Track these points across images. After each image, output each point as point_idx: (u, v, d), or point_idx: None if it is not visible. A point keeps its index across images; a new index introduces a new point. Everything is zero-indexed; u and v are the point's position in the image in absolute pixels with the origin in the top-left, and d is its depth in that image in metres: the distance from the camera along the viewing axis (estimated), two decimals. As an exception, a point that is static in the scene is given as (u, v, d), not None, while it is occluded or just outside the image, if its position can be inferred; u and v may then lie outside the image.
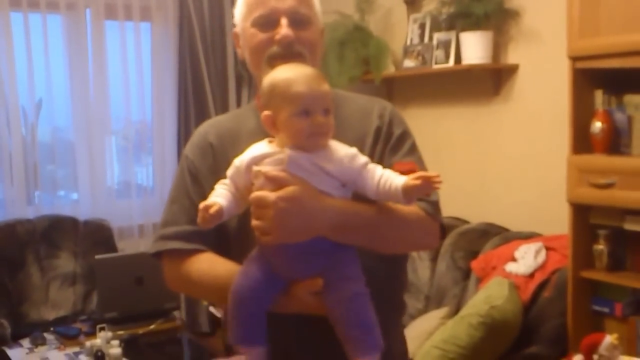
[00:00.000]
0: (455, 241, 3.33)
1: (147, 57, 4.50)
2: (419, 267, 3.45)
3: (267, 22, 1.36)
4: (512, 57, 3.38)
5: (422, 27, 3.70)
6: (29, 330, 3.59)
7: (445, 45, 3.52)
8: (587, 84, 2.68)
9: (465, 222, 3.51)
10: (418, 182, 1.16)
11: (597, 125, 2.62)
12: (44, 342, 3.33)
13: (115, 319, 3.20)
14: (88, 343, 2.90)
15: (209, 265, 1.34)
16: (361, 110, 1.41)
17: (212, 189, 1.31)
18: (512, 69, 3.37)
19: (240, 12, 1.43)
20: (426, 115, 3.84)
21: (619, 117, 2.62)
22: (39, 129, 4.28)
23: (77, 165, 4.37)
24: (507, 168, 3.44)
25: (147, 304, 3.38)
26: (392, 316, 1.43)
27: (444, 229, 1.39)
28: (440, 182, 1.16)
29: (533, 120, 3.31)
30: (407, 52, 3.73)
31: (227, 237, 1.35)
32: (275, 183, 1.17)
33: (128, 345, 2.91)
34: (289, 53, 1.33)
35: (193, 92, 4.53)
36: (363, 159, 1.23)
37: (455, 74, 3.57)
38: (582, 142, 2.66)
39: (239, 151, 1.31)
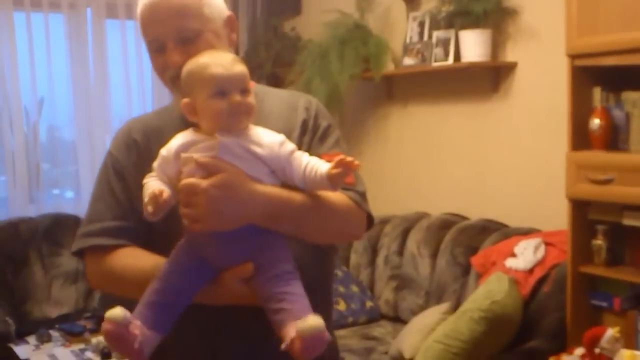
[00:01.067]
0: (455, 237, 3.36)
1: (147, 55, 4.50)
2: (419, 264, 3.48)
3: (158, 47, 1.35)
4: (510, 55, 3.41)
5: (421, 25, 3.72)
6: (32, 327, 3.61)
7: (445, 43, 3.54)
8: (586, 81, 2.71)
9: (465, 218, 3.54)
10: (340, 167, 1.18)
11: (596, 122, 2.64)
12: (49, 339, 3.35)
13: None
14: (94, 340, 2.92)
15: (134, 259, 1.32)
16: (286, 104, 1.41)
17: (137, 185, 1.29)
18: (511, 67, 3.40)
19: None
20: (426, 113, 3.87)
21: (617, 114, 2.64)
22: (41, 128, 4.30)
23: (79, 163, 4.38)
24: (505, 164, 3.47)
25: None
26: (321, 308, 1.42)
27: (372, 219, 1.38)
28: (358, 164, 1.18)
29: (531, 117, 3.34)
30: (406, 50, 3.76)
31: (151, 230, 1.33)
32: (206, 169, 1.17)
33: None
34: None
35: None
36: (290, 145, 1.24)
37: (454, 72, 3.59)
38: (580, 138, 2.69)
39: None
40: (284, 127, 1.34)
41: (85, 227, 1.38)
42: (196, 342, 1.32)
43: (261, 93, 1.41)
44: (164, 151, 1.24)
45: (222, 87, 1.20)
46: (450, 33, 3.52)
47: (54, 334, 3.45)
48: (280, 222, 1.22)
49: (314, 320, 1.11)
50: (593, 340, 1.91)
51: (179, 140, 1.24)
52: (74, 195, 4.48)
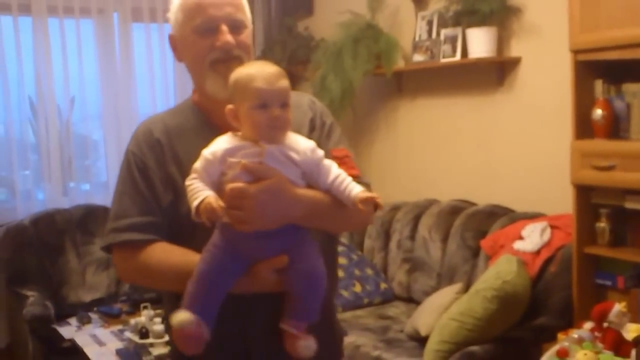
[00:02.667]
0: (465, 222, 3.38)
1: (170, 55, 4.51)
2: (431, 247, 3.50)
3: (207, 30, 1.35)
4: (514, 50, 3.42)
5: (429, 23, 3.73)
6: (69, 311, 3.66)
7: (452, 41, 3.56)
8: (588, 74, 2.72)
9: (473, 204, 3.56)
10: (370, 200, 1.26)
11: (598, 112, 2.65)
12: (89, 320, 3.40)
13: (153, 298, 3.26)
14: (133, 321, 2.96)
15: (164, 254, 1.32)
16: (294, 105, 1.37)
17: (160, 181, 1.34)
18: (515, 62, 3.41)
19: (177, 18, 1.41)
20: (434, 106, 3.88)
21: (618, 104, 2.65)
22: (73, 125, 4.34)
23: (108, 157, 4.42)
24: (511, 153, 3.48)
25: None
26: (329, 295, 1.45)
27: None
28: (381, 205, 1.28)
29: (535, 109, 3.35)
30: (416, 47, 3.77)
31: (178, 224, 1.33)
32: (254, 174, 1.20)
33: (167, 322, 2.96)
34: (229, 57, 1.35)
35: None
36: (320, 152, 1.29)
37: (461, 67, 3.61)
38: (583, 128, 2.70)
39: (186, 146, 1.34)
40: (294, 124, 1.34)
41: (113, 223, 1.37)
42: (226, 327, 1.31)
43: None
44: (209, 155, 1.24)
45: (264, 100, 1.22)
46: (458, 31, 3.53)
47: (93, 316, 3.49)
48: (313, 220, 1.28)
49: (307, 347, 1.26)
50: (601, 314, 1.92)
51: (223, 144, 1.25)
52: (103, 187, 4.52)
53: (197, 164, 1.25)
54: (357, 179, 1.34)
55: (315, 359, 1.35)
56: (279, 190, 1.21)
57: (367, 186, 1.38)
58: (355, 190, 1.27)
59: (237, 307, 1.29)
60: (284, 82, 1.25)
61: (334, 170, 1.28)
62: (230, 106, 1.25)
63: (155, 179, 1.36)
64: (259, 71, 1.25)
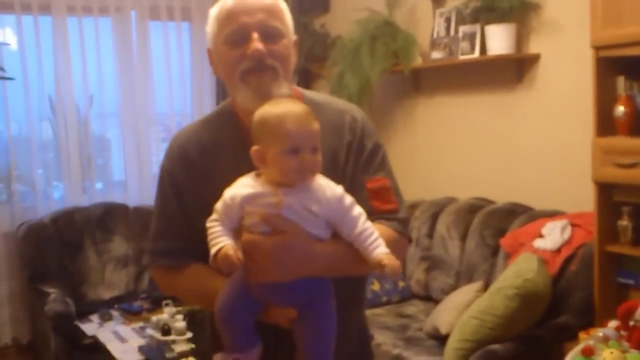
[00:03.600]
0: (484, 220, 3.35)
1: (187, 54, 4.56)
2: (450, 246, 3.48)
3: (238, 39, 1.29)
4: (534, 47, 3.38)
5: (447, 20, 3.71)
6: (88, 308, 3.68)
7: (471, 38, 3.53)
8: (610, 71, 2.69)
9: (492, 202, 3.53)
10: (389, 266, 1.17)
11: (620, 109, 2.63)
12: (110, 317, 3.42)
13: (174, 296, 3.26)
14: (154, 318, 2.97)
15: (194, 279, 1.33)
16: (333, 125, 1.35)
17: (194, 203, 1.31)
18: (534, 58, 3.37)
19: (211, 29, 1.35)
20: (452, 103, 3.86)
21: (641, 101, 2.63)
22: (92, 124, 4.36)
23: (126, 155, 4.44)
24: (530, 151, 3.45)
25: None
26: (359, 302, 1.45)
27: (410, 240, 1.39)
28: (398, 274, 1.19)
29: (555, 106, 3.32)
30: (434, 44, 3.75)
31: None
32: (270, 226, 1.16)
33: (189, 319, 2.99)
34: (261, 67, 1.27)
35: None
36: (348, 200, 1.21)
37: (480, 64, 3.58)
38: (605, 125, 2.67)
39: (221, 164, 1.30)
40: (331, 150, 1.31)
41: (153, 244, 1.40)
42: None
43: (311, 106, 1.29)
44: (228, 199, 1.21)
45: (296, 145, 1.16)
46: (476, 27, 3.50)
47: (114, 313, 3.51)
48: (334, 274, 1.23)
49: None
50: (627, 313, 1.91)
51: (242, 189, 1.21)
52: (121, 185, 4.54)
53: (219, 205, 1.22)
54: (392, 213, 1.30)
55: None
56: (295, 245, 1.16)
57: (402, 222, 1.33)
58: (378, 250, 1.19)
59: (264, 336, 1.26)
60: (315, 124, 1.19)
61: (360, 225, 1.20)
62: (255, 148, 1.19)
63: (189, 202, 1.35)
64: (288, 112, 1.18)
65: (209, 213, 1.26)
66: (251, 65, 1.27)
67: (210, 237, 1.20)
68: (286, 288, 1.18)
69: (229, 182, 1.23)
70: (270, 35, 1.29)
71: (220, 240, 1.18)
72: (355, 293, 1.43)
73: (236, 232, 1.20)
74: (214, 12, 1.35)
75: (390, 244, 1.24)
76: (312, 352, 1.20)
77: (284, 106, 1.20)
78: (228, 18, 1.31)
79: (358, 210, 1.21)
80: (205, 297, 1.28)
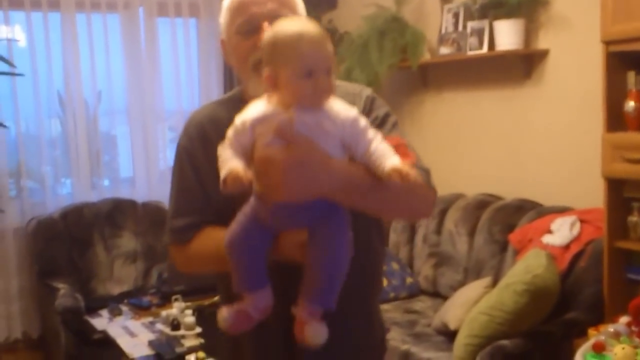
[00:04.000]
0: (492, 216, 3.34)
1: (195, 50, 4.56)
2: (457, 242, 3.47)
3: (250, 29, 1.30)
4: (542, 42, 3.37)
5: (455, 16, 3.70)
6: (97, 303, 3.69)
7: (479, 33, 3.52)
8: (620, 65, 2.67)
9: (500, 198, 3.52)
10: (402, 175, 1.12)
11: (631, 104, 2.61)
12: (120, 312, 3.43)
13: (183, 291, 3.28)
14: (164, 312, 2.98)
15: (209, 239, 1.33)
16: (348, 95, 1.35)
17: (211, 177, 1.27)
18: (543, 54, 3.36)
19: (224, 20, 1.37)
20: (460, 99, 3.85)
21: (651, 96, 2.61)
22: (100, 120, 4.36)
23: (134, 151, 4.44)
24: (539, 147, 3.44)
25: (211, 277, 3.43)
26: (372, 292, 1.44)
27: (436, 191, 1.35)
28: (411, 179, 1.13)
29: (563, 101, 3.30)
30: (442, 40, 3.74)
31: (230, 219, 1.27)
32: (284, 140, 1.11)
33: (198, 314, 2.99)
34: None
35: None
36: (363, 122, 1.17)
37: (488, 60, 3.56)
38: (615, 120, 2.66)
39: None
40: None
41: (173, 221, 1.40)
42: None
43: None
44: (239, 124, 1.18)
45: (311, 67, 1.11)
46: (484, 23, 3.49)
47: (123, 308, 3.53)
48: (351, 198, 1.17)
49: (316, 335, 1.15)
50: (639, 309, 1.90)
51: (253, 112, 1.18)
52: (129, 181, 4.54)
53: (230, 131, 1.19)
54: (417, 166, 1.27)
55: (357, 352, 1.34)
56: (308, 158, 1.11)
57: (426, 173, 1.31)
58: (391, 161, 1.13)
59: (276, 285, 1.23)
60: (330, 46, 1.15)
61: (375, 144, 1.15)
62: (267, 71, 1.15)
63: (207, 178, 1.34)
64: (302, 32, 1.13)
65: None
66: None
67: (220, 162, 1.18)
68: (299, 208, 1.14)
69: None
70: None
71: (230, 162, 1.15)
72: (372, 281, 1.42)
73: (247, 157, 1.16)
74: (226, 3, 1.37)
75: (417, 191, 1.24)
76: (322, 273, 1.14)
77: (297, 26, 1.15)
78: (239, 9, 1.32)
79: (373, 132, 1.18)
80: (222, 254, 1.24)
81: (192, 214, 1.36)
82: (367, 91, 1.41)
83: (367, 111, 1.36)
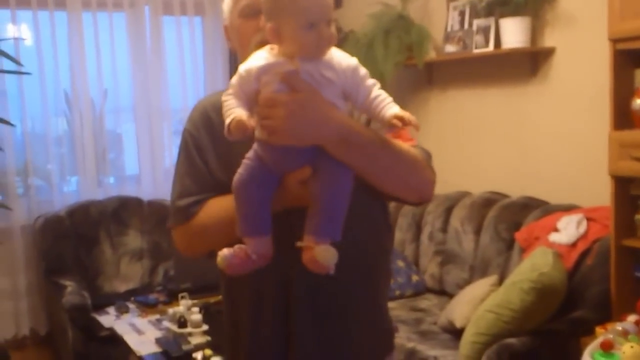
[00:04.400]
0: (498, 214, 3.34)
1: (200, 48, 4.56)
2: (463, 240, 3.47)
3: (253, 12, 1.34)
4: (548, 40, 3.36)
5: (461, 14, 3.69)
6: (104, 301, 3.70)
7: (485, 31, 3.51)
8: (627, 64, 2.67)
9: (506, 196, 3.51)
10: (404, 120, 1.17)
11: (638, 102, 2.60)
12: (127, 310, 3.44)
13: (189, 289, 3.28)
14: (171, 310, 2.98)
15: (211, 208, 1.34)
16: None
17: (214, 158, 1.33)
18: (549, 52, 3.35)
19: (227, 5, 1.42)
20: (466, 97, 3.84)
21: (659, 94, 2.60)
22: (106, 118, 4.37)
23: (140, 149, 4.45)
24: (544, 144, 3.43)
25: (217, 275, 3.43)
26: (382, 283, 1.44)
27: (434, 173, 1.36)
28: (418, 127, 1.19)
29: (569, 99, 3.29)
30: (448, 37, 3.73)
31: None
32: (290, 84, 1.16)
33: (205, 312, 2.99)
34: None
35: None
36: (363, 71, 1.21)
37: (494, 58, 3.56)
38: (622, 118, 2.65)
39: None
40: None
41: (178, 202, 1.39)
42: (268, 274, 1.29)
43: None
44: (243, 71, 1.20)
45: (313, 19, 1.16)
46: (490, 21, 3.48)
47: (130, 305, 3.53)
48: (349, 151, 1.20)
49: (327, 253, 1.15)
50: (647, 308, 1.89)
51: (258, 61, 1.20)
52: (135, 178, 4.55)
53: (234, 79, 1.22)
54: (417, 147, 1.32)
55: (364, 350, 1.34)
56: (312, 103, 1.16)
57: (427, 154, 1.34)
58: (393, 109, 1.19)
59: (277, 229, 1.24)
60: None
61: (374, 91, 1.20)
62: (270, 25, 1.18)
63: (209, 156, 1.37)
64: None
65: (227, 168, 1.29)
66: (264, 37, 1.28)
67: (224, 110, 1.20)
68: (299, 151, 1.18)
69: (247, 142, 1.24)
70: None
71: (233, 111, 1.18)
72: (378, 276, 1.42)
73: (251, 105, 1.19)
74: None
75: (415, 164, 1.28)
76: (326, 203, 1.18)
77: None
78: None
79: (372, 80, 1.22)
80: (226, 219, 1.25)
81: (198, 193, 1.37)
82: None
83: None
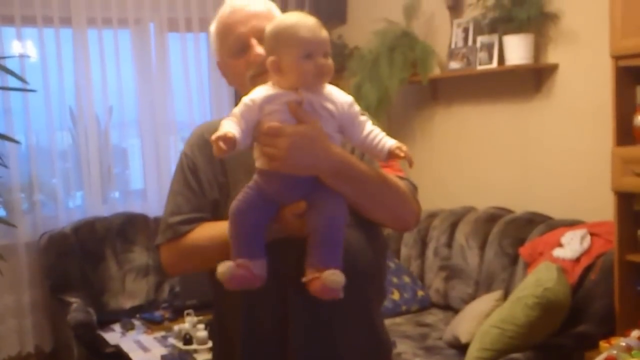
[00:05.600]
0: (503, 229, 3.39)
1: (206, 64, 4.64)
2: (468, 255, 3.52)
3: (240, 49, 1.41)
4: (552, 57, 3.43)
5: (465, 31, 3.77)
6: (110, 317, 3.75)
7: (489, 48, 3.58)
8: (629, 80, 2.73)
9: (510, 211, 3.57)
10: (404, 151, 1.27)
11: (640, 119, 2.67)
12: (132, 327, 3.48)
13: (195, 305, 3.33)
14: (176, 327, 3.02)
15: (204, 230, 1.38)
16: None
17: (208, 179, 1.40)
18: (553, 68, 3.42)
19: (214, 45, 1.48)
20: (471, 113, 3.91)
21: (660, 111, 2.66)
22: (111, 134, 4.44)
23: (145, 165, 4.52)
24: (548, 160, 3.49)
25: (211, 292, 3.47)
26: (375, 300, 1.48)
27: (419, 218, 1.44)
28: (412, 162, 1.28)
29: (573, 116, 3.36)
30: (452, 54, 3.81)
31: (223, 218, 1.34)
32: (296, 117, 1.23)
33: (211, 329, 3.03)
34: (266, 69, 1.32)
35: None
36: (357, 107, 1.30)
37: (498, 74, 3.63)
38: (625, 134, 2.71)
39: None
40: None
41: (169, 219, 1.43)
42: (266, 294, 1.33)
43: None
44: (249, 101, 1.26)
45: (310, 50, 1.24)
46: (494, 38, 3.55)
47: (136, 322, 3.58)
48: (345, 183, 1.28)
49: (335, 277, 1.21)
50: (649, 323, 1.94)
51: (262, 92, 1.27)
52: (141, 194, 4.61)
53: (236, 109, 1.27)
54: (404, 179, 1.40)
55: None
56: (314, 136, 1.23)
57: (414, 188, 1.42)
58: (389, 143, 1.28)
59: (270, 255, 1.28)
60: (325, 32, 1.28)
61: (368, 127, 1.30)
62: (271, 58, 1.26)
63: (203, 177, 1.43)
64: (300, 21, 1.27)
65: (220, 191, 1.38)
66: (257, 69, 1.37)
67: (219, 129, 1.23)
68: (297, 183, 1.25)
69: (240, 166, 1.33)
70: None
71: (224, 128, 1.23)
72: (371, 290, 1.45)
73: (251, 133, 1.25)
74: (212, 28, 1.48)
75: (403, 196, 1.36)
76: (325, 235, 1.24)
77: (295, 17, 1.29)
78: (226, 32, 1.43)
79: (365, 117, 1.31)
80: (216, 243, 1.31)
81: (190, 212, 1.42)
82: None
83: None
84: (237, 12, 1.44)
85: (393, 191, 1.35)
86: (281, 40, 1.26)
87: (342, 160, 1.27)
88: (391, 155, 1.27)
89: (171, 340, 2.99)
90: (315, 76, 1.25)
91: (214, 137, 1.20)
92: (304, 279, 1.24)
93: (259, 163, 1.26)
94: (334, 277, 1.22)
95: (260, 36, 1.35)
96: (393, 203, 1.36)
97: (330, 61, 1.27)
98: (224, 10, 1.46)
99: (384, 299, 1.57)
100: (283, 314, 1.35)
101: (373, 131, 1.29)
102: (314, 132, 1.24)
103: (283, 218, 1.27)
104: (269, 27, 1.29)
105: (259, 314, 1.37)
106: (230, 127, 1.24)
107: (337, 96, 1.29)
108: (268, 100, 1.26)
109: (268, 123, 1.23)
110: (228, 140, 1.20)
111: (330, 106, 1.27)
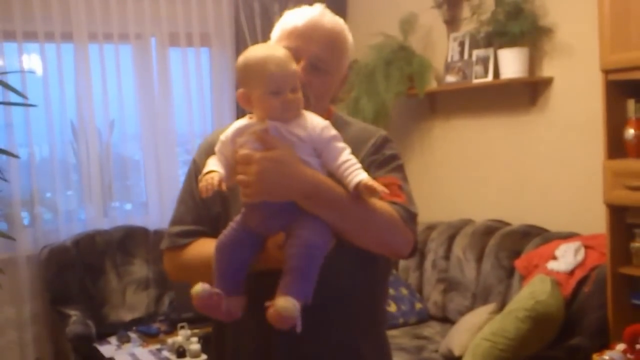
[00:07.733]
0: (499, 242, 3.43)
1: (207, 78, 4.71)
2: (465, 267, 3.56)
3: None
4: (546, 70, 3.48)
5: (461, 45, 3.83)
6: (110, 330, 3.79)
7: (484, 61, 3.64)
8: (619, 94, 2.78)
9: (507, 224, 3.61)
10: (371, 189, 1.23)
11: (631, 132, 2.71)
12: (128, 340, 3.52)
13: (191, 318, 3.37)
14: (170, 340, 3.07)
15: (200, 247, 1.43)
16: (357, 138, 1.43)
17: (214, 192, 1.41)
18: (547, 82, 3.47)
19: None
20: (467, 126, 3.96)
21: (651, 124, 2.70)
22: (112, 148, 4.51)
23: (147, 178, 4.58)
24: (544, 173, 3.54)
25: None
26: (370, 327, 1.48)
27: (416, 246, 1.38)
28: (383, 192, 1.23)
29: (567, 128, 3.41)
30: (448, 68, 3.87)
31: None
32: (263, 143, 1.25)
33: (204, 342, 3.08)
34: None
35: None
36: (333, 131, 1.29)
37: (493, 88, 3.69)
38: (616, 148, 2.76)
39: None
40: (358, 141, 1.41)
41: (170, 228, 1.51)
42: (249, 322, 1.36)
43: (339, 123, 1.41)
44: (223, 137, 1.32)
45: (277, 86, 1.27)
46: (489, 52, 3.61)
47: (132, 335, 3.62)
48: (320, 206, 1.26)
49: (286, 304, 1.18)
50: (633, 336, 1.97)
51: (235, 126, 1.33)
52: (142, 207, 4.67)
53: (216, 147, 1.33)
54: (400, 203, 1.35)
55: None
56: (283, 160, 1.24)
57: (410, 215, 1.36)
58: (361, 176, 1.24)
59: (254, 286, 1.31)
60: (294, 66, 1.29)
61: (343, 156, 1.27)
62: (241, 90, 1.31)
63: None
64: (269, 56, 1.29)
65: (223, 203, 1.42)
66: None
67: (204, 169, 1.29)
68: (275, 210, 1.26)
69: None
70: (316, 67, 1.40)
71: (207, 169, 1.29)
72: (368, 313, 1.47)
73: (230, 167, 1.29)
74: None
75: (389, 223, 1.31)
76: (296, 261, 1.22)
77: (265, 51, 1.32)
78: (289, 33, 1.42)
79: (343, 144, 1.30)
80: (205, 264, 1.33)
81: (190, 223, 1.47)
82: (383, 132, 1.51)
83: (376, 147, 1.45)
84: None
85: (377, 216, 1.30)
86: (250, 74, 1.29)
87: (314, 182, 1.26)
88: (359, 190, 1.24)
89: (165, 353, 3.04)
90: (281, 111, 1.27)
91: (200, 177, 1.27)
92: (266, 303, 1.21)
93: (241, 195, 1.29)
94: (286, 303, 1.18)
95: (311, 62, 1.39)
96: (378, 229, 1.31)
97: (299, 95, 1.29)
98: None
99: (383, 325, 1.56)
100: (266, 344, 1.38)
101: (347, 161, 1.27)
102: (283, 155, 1.25)
103: (266, 249, 1.30)
104: (240, 59, 1.32)
105: (244, 341, 1.42)
106: (213, 165, 1.30)
107: (310, 121, 1.30)
108: (238, 132, 1.31)
109: (239, 153, 1.27)
110: (215, 181, 1.25)
111: (298, 131, 1.28)
